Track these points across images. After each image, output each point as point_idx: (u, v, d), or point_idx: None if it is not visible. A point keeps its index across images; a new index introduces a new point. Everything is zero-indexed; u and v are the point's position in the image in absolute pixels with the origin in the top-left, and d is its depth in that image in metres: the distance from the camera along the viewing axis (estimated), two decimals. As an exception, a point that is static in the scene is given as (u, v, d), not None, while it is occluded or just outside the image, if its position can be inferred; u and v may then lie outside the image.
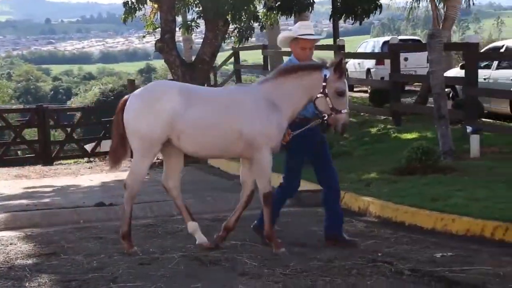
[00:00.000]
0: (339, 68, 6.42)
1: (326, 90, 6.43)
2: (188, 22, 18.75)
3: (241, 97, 6.62)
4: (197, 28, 18.80)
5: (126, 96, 6.90)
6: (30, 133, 25.94)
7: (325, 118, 6.49)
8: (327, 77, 6.43)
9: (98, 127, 21.82)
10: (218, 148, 6.67)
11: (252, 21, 19.72)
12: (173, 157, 6.93)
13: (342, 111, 6.45)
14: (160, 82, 7.44)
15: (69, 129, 21.06)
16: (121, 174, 14.08)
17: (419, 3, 19.60)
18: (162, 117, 6.51)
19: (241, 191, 7.04)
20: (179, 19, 20.27)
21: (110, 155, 7.07)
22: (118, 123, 6.82)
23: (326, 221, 7.07)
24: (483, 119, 13.78)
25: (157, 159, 17.14)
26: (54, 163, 18.90)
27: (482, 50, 16.23)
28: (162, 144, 6.64)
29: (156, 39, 16.73)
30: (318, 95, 6.46)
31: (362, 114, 17.01)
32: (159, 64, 62.97)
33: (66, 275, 6.07)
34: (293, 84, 6.52)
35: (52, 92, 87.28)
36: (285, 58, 26.48)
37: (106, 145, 21.02)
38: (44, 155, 19.07)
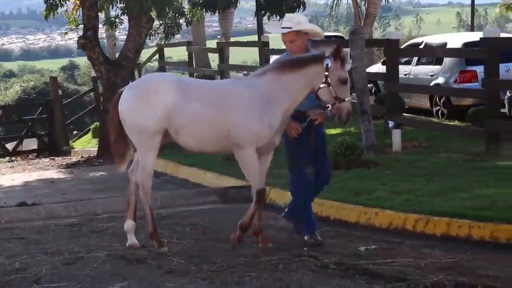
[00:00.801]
0: (341, 56, 6.33)
1: (329, 79, 6.31)
2: (112, 19, 18.52)
3: (238, 92, 6.46)
4: (121, 25, 18.58)
5: (121, 89, 6.75)
6: None
7: (329, 108, 6.38)
8: (329, 66, 6.32)
9: (19, 125, 21.38)
10: (214, 143, 6.54)
11: (178, 17, 19.64)
12: None
13: (346, 99, 6.37)
14: (157, 74, 7.19)
15: (-11, 128, 20.56)
16: (43, 174, 13.87)
17: (341, 0, 19.84)
18: (158, 110, 6.38)
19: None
20: (102, 15, 20.02)
21: (113, 151, 6.98)
22: (113, 117, 6.68)
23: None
24: (404, 114, 14.06)
25: (82, 157, 16.95)
26: (-26, 163, 18.44)
27: (402, 47, 16.57)
28: (162, 134, 6.50)
29: (78, 35, 16.49)
30: (321, 85, 6.32)
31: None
32: (82, 61, 61.85)
33: (-13, 277, 5.94)
34: (293, 77, 6.36)
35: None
36: (210, 55, 26.54)
37: (28, 144, 20.65)
38: (-36, 154, 18.59)
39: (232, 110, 6.37)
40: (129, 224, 6.87)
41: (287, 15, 7.14)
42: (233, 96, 6.44)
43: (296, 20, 6.79)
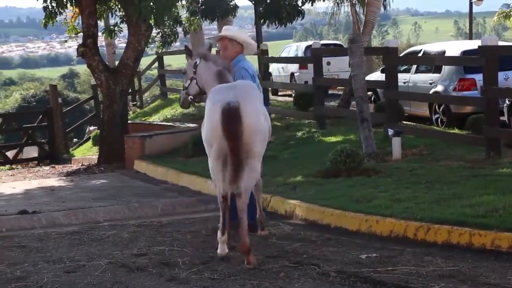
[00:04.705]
0: None
1: None
2: (111, 27, 18.57)
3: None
4: (120, 33, 18.64)
5: (232, 103, 6.15)
6: None
7: None
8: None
9: (20, 133, 21.42)
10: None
11: (175, 26, 19.68)
12: None
13: None
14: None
15: (-11, 136, 20.61)
16: (44, 182, 13.86)
17: (340, 8, 19.94)
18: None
19: None
20: (101, 23, 20.06)
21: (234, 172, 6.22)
22: (237, 133, 6.17)
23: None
24: (404, 122, 14.08)
25: (82, 164, 16.95)
26: (-26, 171, 18.44)
27: (401, 55, 16.61)
28: None
29: (78, 43, 16.53)
30: None
31: (287, 118, 17.17)
32: (82, 69, 61.99)
33: (-12, 285, 5.95)
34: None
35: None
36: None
37: (28, 152, 20.68)
38: (-36, 162, 18.61)
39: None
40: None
41: (225, 26, 7.88)
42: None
43: (232, 30, 7.59)
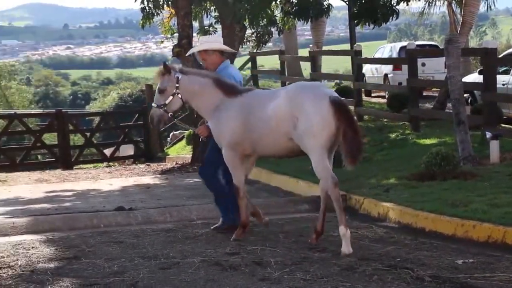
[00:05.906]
0: None
1: None
2: (205, 28, 18.84)
3: None
4: (215, 33, 18.87)
5: (336, 95, 6.80)
6: (50, 138, 26.15)
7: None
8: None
9: (117, 132, 22.01)
10: None
11: (269, 26, 19.77)
12: None
13: None
14: None
15: (88, 134, 21.26)
16: (139, 179, 14.18)
17: (432, 8, 19.51)
18: None
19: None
20: (196, 24, 20.37)
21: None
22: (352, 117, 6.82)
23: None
24: (503, 125, 13.69)
25: (176, 163, 17.26)
26: (74, 167, 19.07)
27: (500, 56, 16.16)
28: None
29: (173, 44, 16.83)
30: None
31: (380, 119, 16.98)
32: (177, 69, 63.06)
33: (87, 279, 6.13)
34: None
35: (71, 97, 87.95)
36: (302, 64, 26.54)
37: (124, 150, 21.21)
38: (64, 159, 19.27)
39: None
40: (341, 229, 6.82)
41: (201, 38, 7.98)
42: None
43: (204, 41, 7.83)
